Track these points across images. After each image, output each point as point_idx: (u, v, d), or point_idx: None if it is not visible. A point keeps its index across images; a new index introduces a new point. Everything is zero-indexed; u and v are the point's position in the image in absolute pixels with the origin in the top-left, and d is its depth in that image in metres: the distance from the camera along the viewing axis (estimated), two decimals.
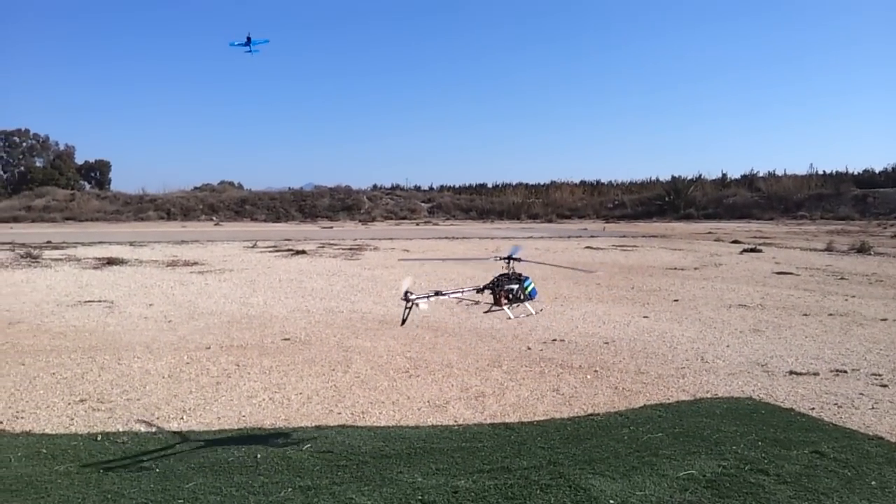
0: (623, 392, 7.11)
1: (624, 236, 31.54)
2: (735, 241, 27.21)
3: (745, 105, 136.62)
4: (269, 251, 23.38)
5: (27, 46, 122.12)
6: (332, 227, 40.99)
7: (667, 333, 10.06)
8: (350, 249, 24.08)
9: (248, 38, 35.35)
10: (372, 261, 20.53)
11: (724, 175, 59.16)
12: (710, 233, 33.37)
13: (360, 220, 49.71)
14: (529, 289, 6.05)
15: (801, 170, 58.10)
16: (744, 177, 58.65)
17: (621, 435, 5.80)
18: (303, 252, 22.76)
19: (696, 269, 18.64)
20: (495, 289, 5.84)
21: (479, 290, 5.86)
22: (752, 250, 23.22)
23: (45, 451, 5.41)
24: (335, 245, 25.90)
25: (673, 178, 57.57)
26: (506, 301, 5.87)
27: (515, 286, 5.92)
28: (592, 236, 31.51)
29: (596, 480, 4.82)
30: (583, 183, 65.19)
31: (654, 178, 63.18)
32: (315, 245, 25.66)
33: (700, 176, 58.17)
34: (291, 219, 50.82)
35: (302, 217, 51.68)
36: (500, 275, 5.95)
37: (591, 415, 6.35)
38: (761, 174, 58.08)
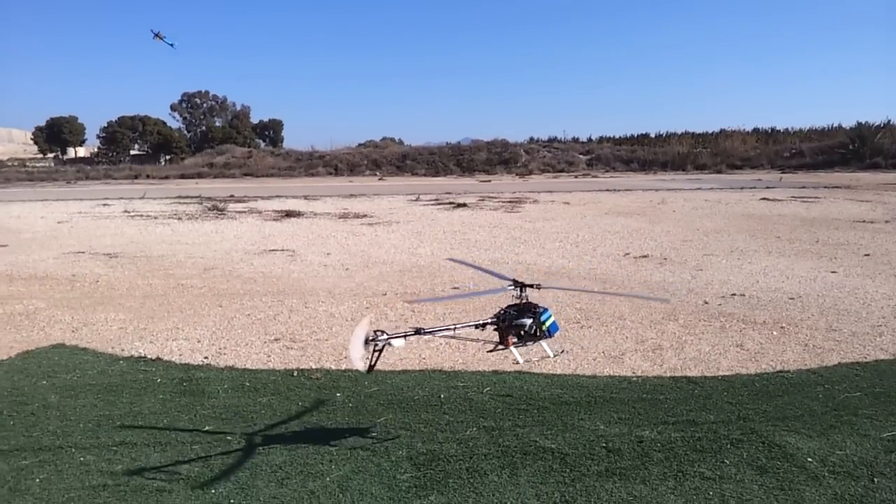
0: (814, 349, 6.67)
1: (803, 187, 29.27)
2: None
3: None
4: (432, 204, 23.92)
5: (209, 14, 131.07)
6: (489, 181, 41.17)
7: (859, 289, 9.29)
8: (509, 202, 24.12)
9: (159, 34, 36.18)
10: (532, 213, 20.47)
11: None
12: None
13: (516, 174, 49.50)
14: (548, 323, 4.65)
15: None
16: None
17: (815, 393, 5.46)
18: (463, 205, 23.09)
19: (886, 222, 17.00)
20: (501, 324, 4.58)
21: (480, 326, 4.61)
22: None
23: (247, 384, 5.90)
24: (494, 198, 26.03)
25: (858, 124, 52.39)
26: (515, 339, 4.58)
27: (528, 320, 4.58)
28: (768, 187, 29.50)
29: (791, 438, 4.59)
30: (756, 131, 60.72)
31: (835, 124, 57.69)
32: (474, 198, 25.92)
33: (889, 122, 52.35)
34: (450, 173, 51.54)
35: (460, 171, 52.24)
36: (509, 306, 4.66)
37: (781, 372, 6.01)
38: None
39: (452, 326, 4.57)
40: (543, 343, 4.77)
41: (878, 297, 8.81)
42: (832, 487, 3.96)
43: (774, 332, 7.27)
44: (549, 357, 4.94)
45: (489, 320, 4.59)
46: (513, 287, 4.66)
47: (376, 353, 4.15)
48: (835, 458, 4.31)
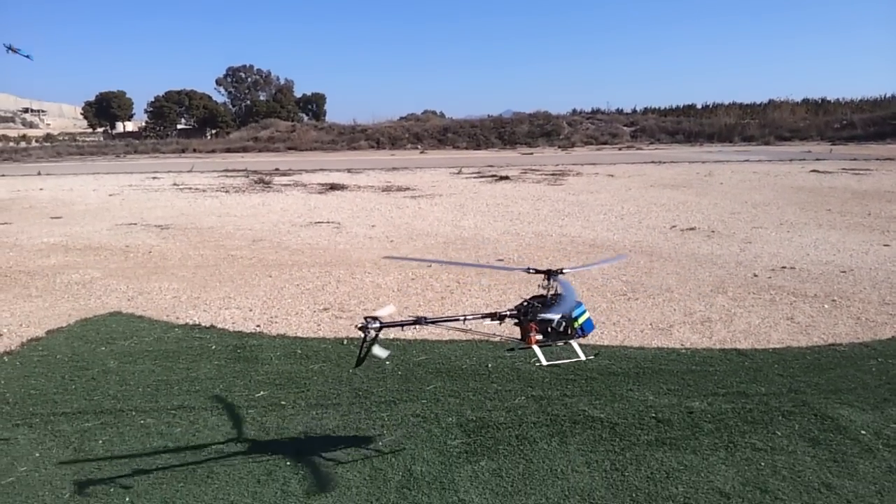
0: (867, 323, 6.54)
1: (854, 159, 28.42)
2: None
3: None
4: (474, 177, 23.87)
5: None
6: (531, 154, 40.87)
7: None
8: (552, 175, 23.96)
9: (11, 47, 36.37)
10: (576, 186, 20.30)
11: None
12: None
13: (559, 146, 49.05)
14: (581, 320, 3.88)
15: None
16: None
17: (868, 366, 5.38)
18: (506, 178, 23.01)
19: None
20: (524, 318, 3.86)
21: (497, 318, 3.92)
22: None
23: (299, 351, 6.04)
24: (537, 171, 25.87)
25: None
26: (539, 337, 3.83)
27: (556, 315, 3.79)
28: (818, 159, 28.74)
29: (844, 410, 4.55)
30: (805, 101, 59.07)
31: (888, 94, 55.79)
32: (517, 171, 25.80)
33: None
34: (491, 146, 51.31)
35: (501, 144, 51.98)
36: (534, 296, 3.95)
37: (833, 345, 5.93)
38: None
39: (462, 317, 3.93)
40: (574, 343, 3.98)
41: None
42: (887, 460, 3.92)
43: (826, 306, 7.15)
44: (580, 360, 4.01)
45: (508, 312, 3.90)
46: (533, 272, 4.01)
47: (366, 346, 3.58)
48: (889, 432, 4.26)
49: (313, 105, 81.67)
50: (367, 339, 3.57)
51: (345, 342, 6.25)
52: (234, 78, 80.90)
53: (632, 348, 5.98)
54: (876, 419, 4.43)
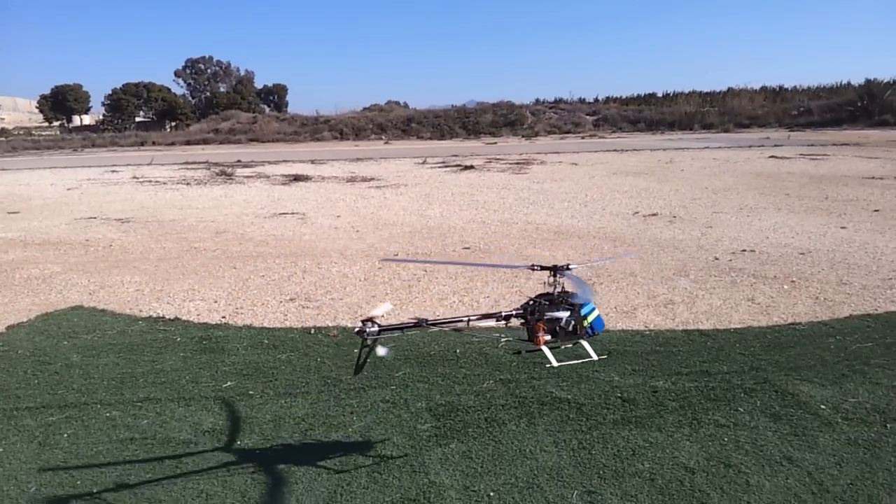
0: (825, 302, 6.72)
1: (812, 145, 29.03)
2: None
3: None
4: (439, 167, 23.85)
5: None
6: (495, 143, 40.94)
7: (868, 244, 9.31)
8: (517, 164, 24.05)
9: None
10: (540, 174, 20.41)
11: None
12: None
13: (523, 136, 49.15)
14: (591, 318, 3.79)
15: None
16: None
17: (827, 344, 5.53)
18: (471, 167, 23.03)
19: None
20: (530, 317, 3.70)
21: (502, 318, 3.72)
22: None
23: (266, 341, 6.00)
24: (501, 160, 25.94)
25: (867, 81, 51.60)
26: (548, 337, 3.67)
27: (564, 314, 3.67)
28: (776, 145, 29.27)
29: (804, 386, 4.67)
30: (763, 89, 60.06)
31: (844, 81, 56.96)
32: (482, 160, 25.84)
33: None
34: (455, 136, 51.24)
35: (465, 134, 51.92)
36: (540, 295, 3.79)
37: (793, 324, 6.07)
38: None
39: (465, 318, 3.72)
40: (585, 343, 3.81)
41: (889, 252, 8.83)
42: (846, 433, 4.04)
43: (785, 287, 7.32)
44: (592, 360, 3.85)
45: (514, 312, 3.72)
46: (536, 269, 3.81)
47: (365, 351, 3.46)
48: (847, 406, 4.39)
49: (275, 96, 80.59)
50: (366, 345, 3.42)
51: (312, 331, 6.22)
52: (194, 69, 79.47)
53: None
54: (835, 394, 4.56)
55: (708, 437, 4.02)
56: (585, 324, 3.74)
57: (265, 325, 6.54)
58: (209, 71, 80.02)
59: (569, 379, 4.92)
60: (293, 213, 13.58)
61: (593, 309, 3.78)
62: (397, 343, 5.79)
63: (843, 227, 10.58)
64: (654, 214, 12.31)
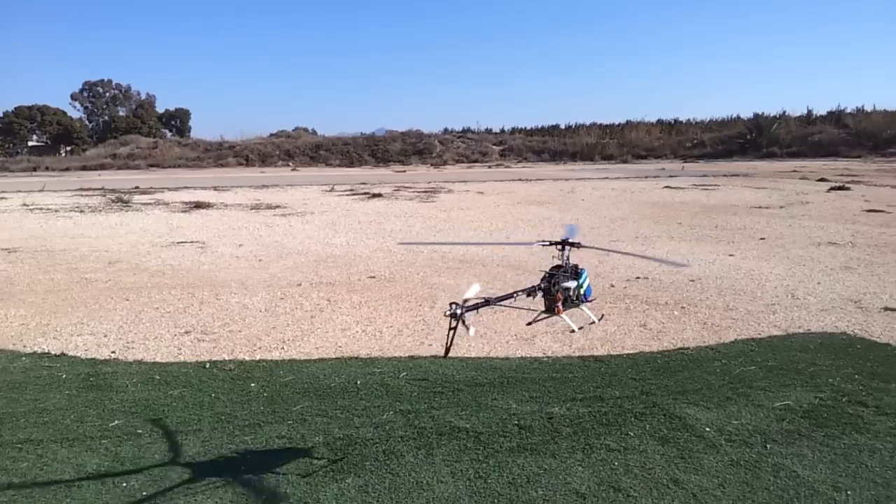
0: (712, 327, 7.06)
1: (704, 175, 30.64)
2: (822, 179, 26.13)
3: (832, 38, 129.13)
4: (347, 194, 23.77)
5: None
6: (404, 171, 41.18)
7: (754, 271, 9.86)
8: (425, 192, 24.24)
9: None
10: (447, 202, 20.65)
11: (809, 112, 55.33)
12: (794, 171, 32.10)
13: (431, 164, 49.67)
14: (585, 286, 4.36)
15: (892, 105, 54.19)
16: (830, 113, 54.61)
17: (713, 368, 5.80)
18: (379, 195, 23.06)
19: (781, 207, 18.04)
20: (550, 289, 4.17)
21: (530, 293, 4.18)
22: (841, 188, 22.25)
23: (157, 377, 5.77)
24: (409, 188, 26.10)
25: (755, 115, 55.20)
26: (564, 305, 4.21)
27: (573, 284, 4.25)
28: (671, 176, 30.72)
29: (690, 409, 4.88)
30: (660, 122, 63.12)
31: (734, 115, 60.57)
32: (390, 188, 25.93)
33: (784, 113, 55.26)
34: (364, 163, 51.26)
35: (375, 162, 52.04)
36: (553, 267, 4.30)
37: (681, 349, 6.35)
38: (849, 110, 54.19)
39: (512, 294, 4.08)
40: (584, 308, 4.44)
41: (772, 278, 9.36)
42: (728, 454, 4.24)
43: (675, 312, 7.65)
44: (594, 323, 4.67)
45: (539, 286, 4.16)
46: (548, 244, 4.38)
47: (453, 331, 3.66)
48: (731, 428, 4.61)
49: (177, 121, 78.52)
50: (455, 325, 3.61)
51: (207, 366, 6.03)
52: (91, 93, 76.50)
53: (498, 358, 6.15)
54: (719, 416, 4.78)
55: (599, 462, 4.13)
56: (581, 291, 4.31)
57: (157, 359, 6.29)
58: (108, 94, 77.26)
59: (468, 407, 4.97)
60: (192, 242, 13.18)
61: (586, 278, 4.37)
62: (298, 376, 5.72)
63: (731, 255, 11.16)
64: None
